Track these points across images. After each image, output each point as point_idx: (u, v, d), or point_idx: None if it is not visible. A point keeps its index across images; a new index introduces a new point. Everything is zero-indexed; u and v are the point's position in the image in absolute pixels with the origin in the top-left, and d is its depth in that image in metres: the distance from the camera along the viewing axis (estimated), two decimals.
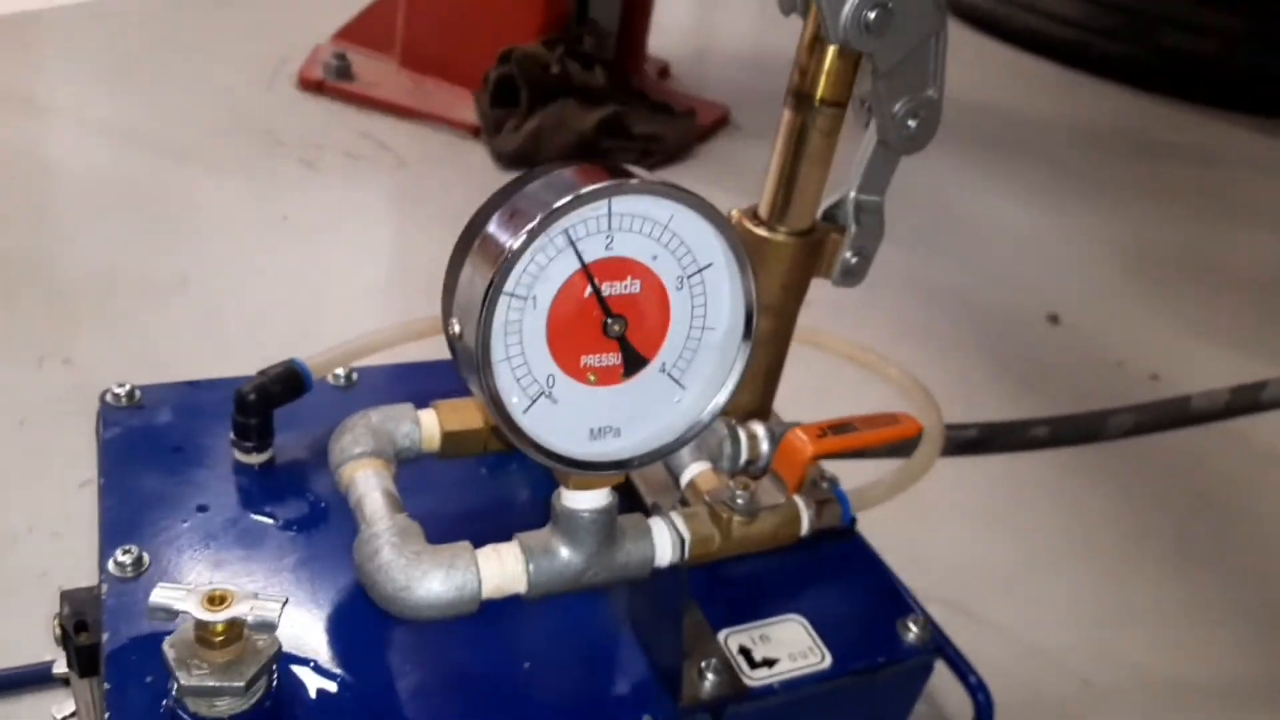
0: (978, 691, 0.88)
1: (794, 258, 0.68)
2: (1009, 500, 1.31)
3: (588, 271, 0.49)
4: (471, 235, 0.49)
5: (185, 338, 1.34)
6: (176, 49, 2.29)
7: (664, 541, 0.60)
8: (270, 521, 0.65)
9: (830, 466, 0.74)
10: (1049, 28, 3.25)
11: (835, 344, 0.85)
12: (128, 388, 0.73)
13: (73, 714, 0.70)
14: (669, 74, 2.57)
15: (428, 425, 0.64)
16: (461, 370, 0.50)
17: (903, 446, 0.77)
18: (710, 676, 0.60)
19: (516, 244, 0.46)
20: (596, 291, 0.50)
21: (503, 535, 0.58)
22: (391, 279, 1.59)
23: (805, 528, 0.67)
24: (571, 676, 0.60)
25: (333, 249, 1.63)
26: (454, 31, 2.20)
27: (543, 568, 0.56)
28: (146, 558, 0.60)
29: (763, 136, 0.67)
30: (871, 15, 0.58)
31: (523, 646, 0.60)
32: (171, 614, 0.49)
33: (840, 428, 0.70)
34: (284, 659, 0.56)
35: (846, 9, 0.58)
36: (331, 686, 0.55)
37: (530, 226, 0.46)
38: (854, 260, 0.70)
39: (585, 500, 0.55)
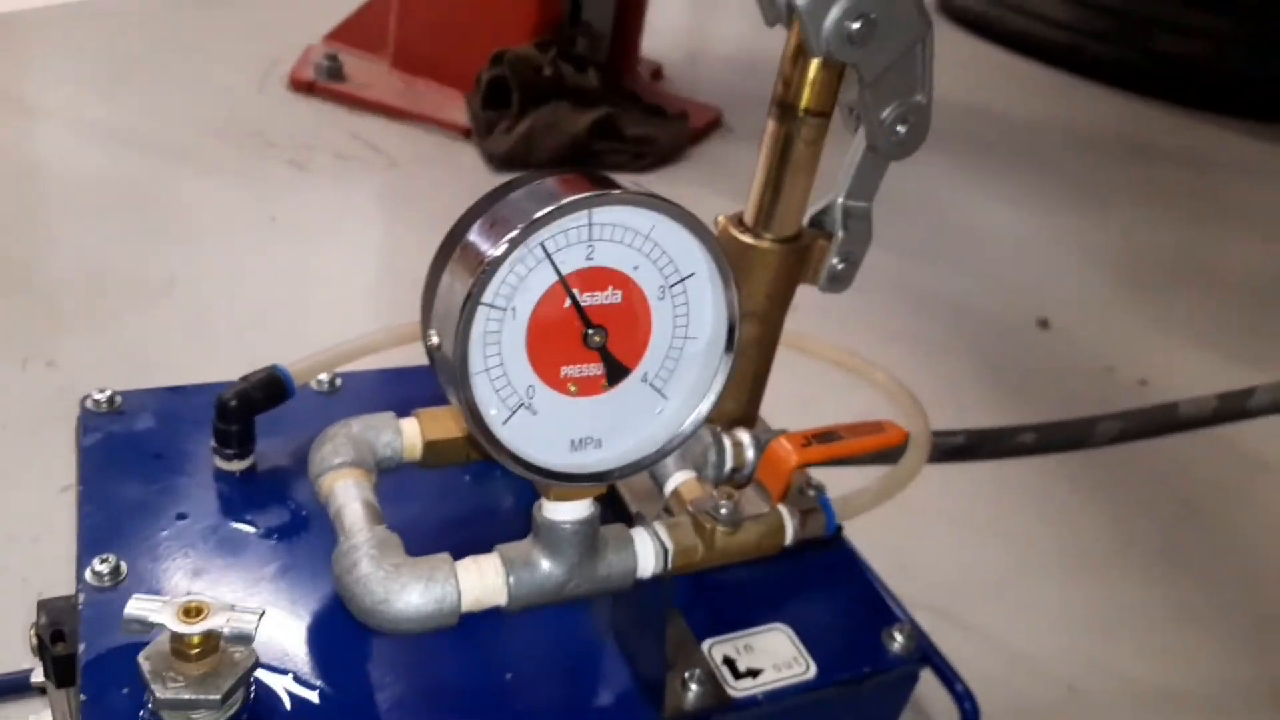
0: (964, 700, 0.88)
1: (780, 264, 0.68)
2: (996, 507, 1.30)
3: (565, 284, 0.49)
4: (451, 245, 0.49)
5: (172, 340, 1.33)
6: (167, 49, 2.28)
7: (646, 552, 0.60)
8: (251, 530, 0.65)
9: (817, 473, 0.74)
10: (1040, 30, 3.26)
11: (821, 349, 0.85)
12: (108, 393, 0.73)
13: None
14: (662, 76, 2.56)
15: (409, 434, 0.63)
16: (440, 381, 0.50)
17: (889, 453, 0.76)
18: (694, 687, 0.60)
19: (495, 255, 0.46)
20: (576, 303, 0.49)
21: (485, 545, 0.57)
22: (381, 281, 1.59)
23: (790, 537, 0.66)
24: (553, 688, 0.60)
25: (322, 251, 1.62)
26: (446, 33, 2.19)
27: (523, 580, 0.55)
28: (124, 567, 0.60)
29: (755, 139, 0.67)
30: (854, 26, 0.58)
31: (504, 657, 0.60)
32: (146, 626, 0.49)
33: (825, 436, 0.70)
34: (262, 670, 0.55)
35: (829, 21, 0.57)
36: (310, 699, 0.55)
37: (509, 237, 0.46)
38: (840, 266, 0.70)
39: (566, 511, 0.55)
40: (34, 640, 0.60)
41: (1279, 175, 2.82)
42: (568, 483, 0.53)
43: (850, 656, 0.66)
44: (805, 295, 0.71)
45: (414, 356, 0.73)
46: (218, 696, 0.49)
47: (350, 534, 0.56)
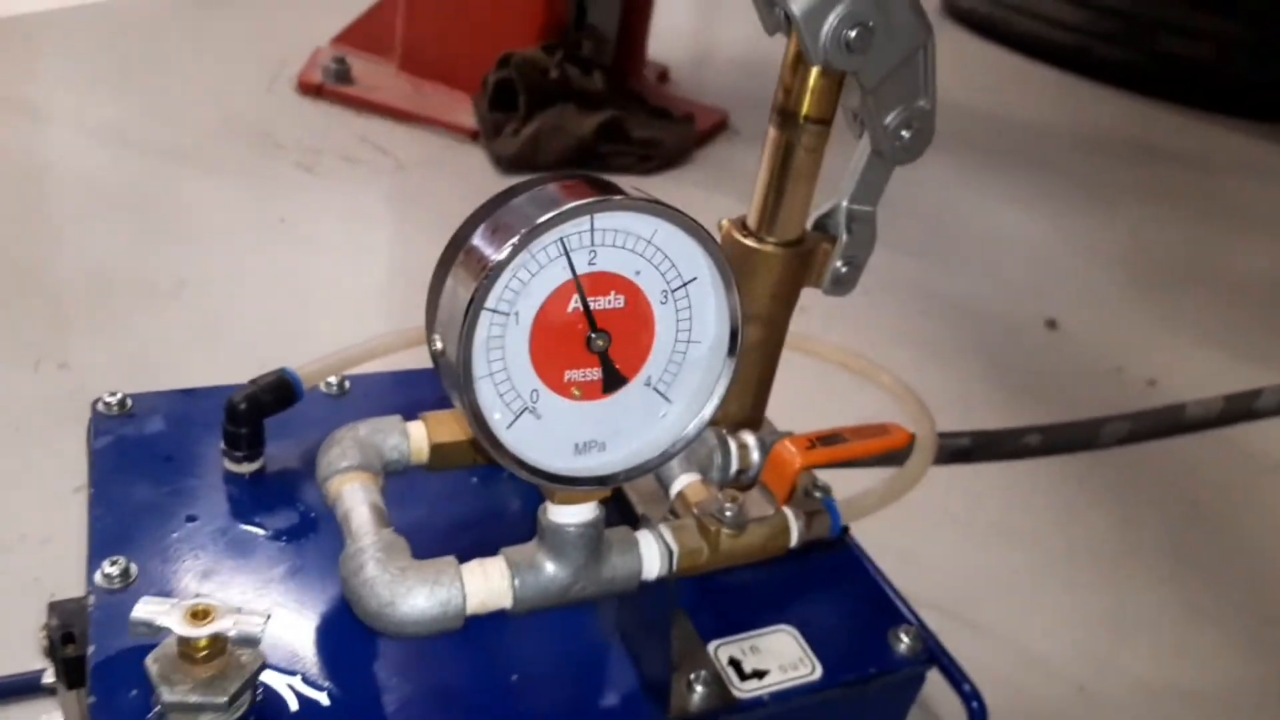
0: (972, 699, 0.88)
1: (783, 268, 0.68)
2: (1004, 507, 1.30)
3: (579, 284, 0.49)
4: (454, 250, 0.49)
5: (182, 342, 1.34)
6: (175, 52, 2.29)
7: (651, 555, 0.60)
8: (260, 532, 0.65)
9: (824, 474, 0.74)
10: (1048, 33, 3.25)
11: (827, 351, 0.85)
12: (119, 396, 0.73)
13: None
14: (668, 78, 2.57)
15: (416, 438, 0.63)
16: (445, 385, 0.50)
17: (895, 455, 0.76)
18: (699, 688, 0.60)
19: (498, 260, 0.46)
20: (585, 306, 0.50)
21: (492, 547, 0.58)
22: (390, 282, 1.59)
23: (794, 539, 0.66)
24: (559, 689, 0.60)
25: (331, 253, 1.63)
26: (453, 36, 2.20)
27: (528, 583, 0.56)
28: (134, 569, 0.60)
29: (761, 141, 0.67)
30: (852, 34, 0.57)
31: (510, 659, 0.60)
32: (154, 629, 0.49)
33: (830, 439, 0.70)
34: (270, 672, 0.56)
35: (825, 29, 0.57)
36: (317, 701, 0.55)
37: (512, 242, 0.46)
38: (844, 270, 0.70)
39: (571, 515, 0.55)
40: (45, 642, 0.60)
41: None
42: (572, 486, 0.53)
43: (856, 657, 0.65)
44: (813, 297, 0.71)
45: (423, 359, 0.73)
46: (224, 699, 0.49)
47: (357, 537, 0.56)
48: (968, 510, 1.27)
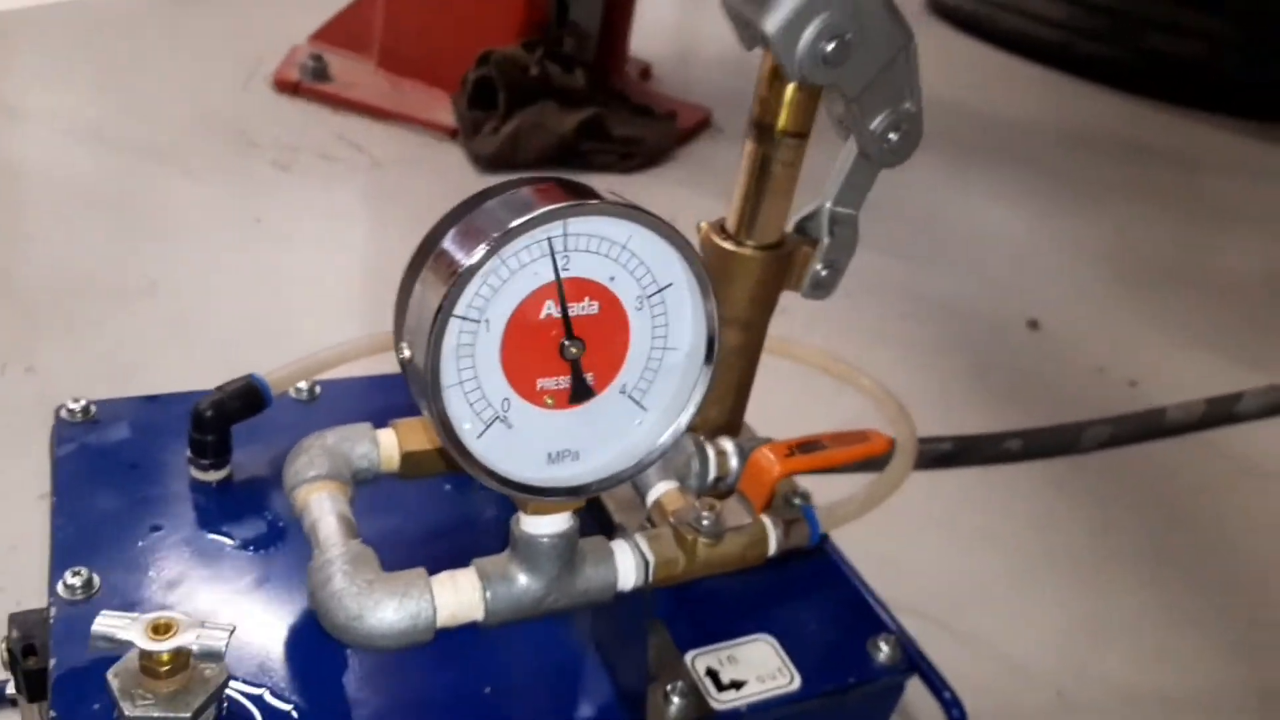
0: (952, 707, 0.87)
1: (763, 271, 0.67)
2: (984, 512, 1.30)
3: (560, 288, 0.48)
4: (424, 255, 0.48)
5: (154, 344, 1.32)
6: (150, 50, 2.27)
7: (627, 565, 0.59)
8: (227, 542, 0.64)
9: (805, 479, 0.73)
10: (1033, 29, 3.26)
11: (807, 355, 0.84)
12: (83, 403, 0.72)
13: None
14: (650, 76, 2.56)
15: (386, 446, 0.62)
16: (413, 394, 0.49)
17: (876, 460, 0.76)
18: (676, 700, 0.59)
19: (468, 265, 0.45)
20: (565, 312, 0.49)
21: (466, 556, 0.57)
22: (366, 283, 1.58)
23: (773, 548, 0.66)
24: (534, 701, 0.59)
25: (307, 252, 1.61)
26: (432, 33, 2.18)
27: (500, 595, 0.55)
28: (97, 580, 0.59)
29: (744, 140, 0.66)
30: (829, 48, 0.56)
31: (484, 670, 0.59)
32: (115, 643, 0.48)
33: (808, 446, 0.69)
34: (236, 685, 0.54)
35: (802, 45, 0.56)
36: (285, 714, 0.54)
37: (483, 247, 0.45)
38: (824, 273, 0.69)
39: (544, 525, 0.54)
40: (4, 654, 0.59)
41: (1272, 175, 2.82)
42: (544, 497, 0.52)
43: (835, 667, 0.65)
44: (794, 298, 0.70)
45: (395, 363, 0.72)
46: (188, 714, 0.48)
47: (324, 548, 0.55)
48: (948, 515, 1.27)
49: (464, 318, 0.47)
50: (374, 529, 0.59)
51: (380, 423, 0.64)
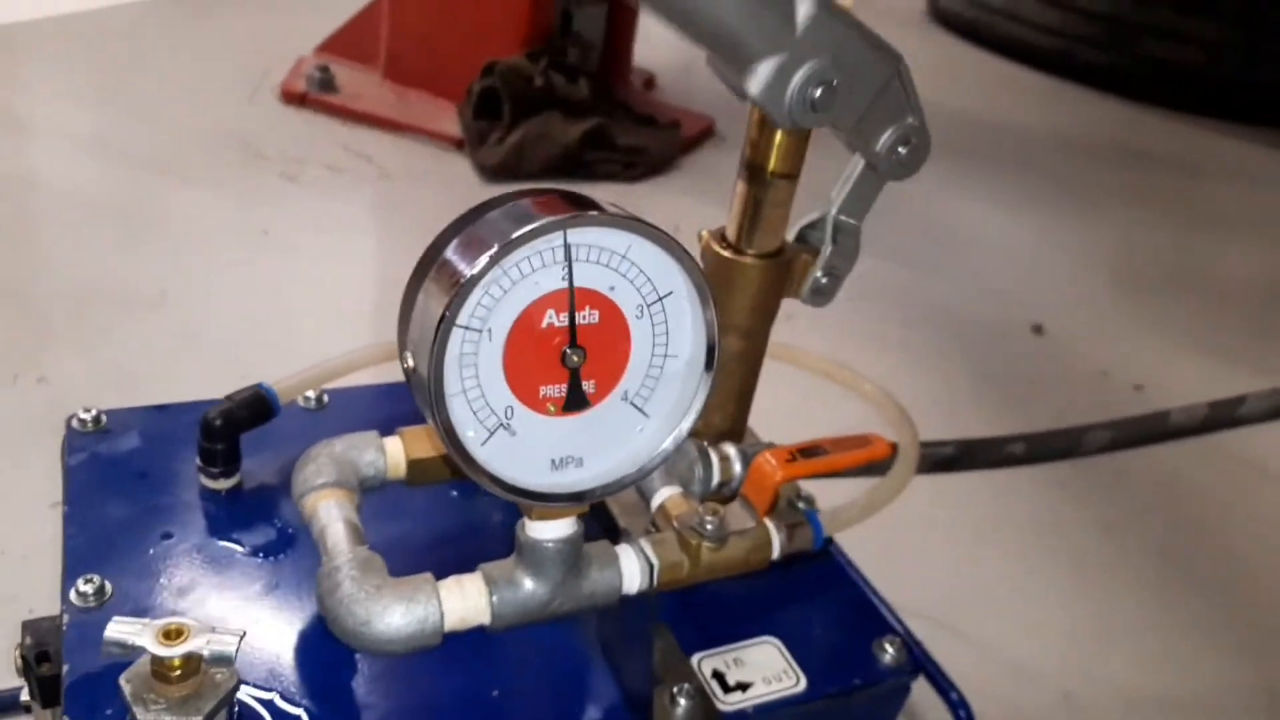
0: (959, 708, 0.87)
1: (763, 279, 0.68)
2: (988, 516, 1.30)
3: (572, 295, 0.49)
4: (427, 265, 0.48)
5: (164, 354, 1.33)
6: (157, 62, 2.28)
7: (632, 570, 0.60)
8: (236, 549, 0.65)
9: (808, 484, 0.74)
10: (1033, 37, 3.26)
11: (810, 361, 0.84)
12: (94, 412, 0.72)
13: None
14: (654, 85, 2.57)
15: (393, 453, 0.63)
16: (418, 402, 0.50)
17: (879, 465, 0.76)
18: (683, 702, 0.60)
19: (470, 276, 0.46)
20: (572, 320, 0.49)
21: (472, 562, 0.57)
22: (373, 293, 1.59)
23: (776, 552, 0.66)
24: (541, 703, 0.60)
25: (314, 263, 1.62)
26: (437, 44, 2.19)
27: (506, 599, 0.55)
28: (109, 587, 0.60)
29: None
30: (816, 94, 0.57)
31: (491, 674, 0.60)
32: (126, 649, 0.49)
33: (810, 451, 0.70)
34: (247, 690, 0.55)
35: (787, 99, 0.57)
36: (295, 719, 0.55)
37: (485, 258, 0.46)
38: (825, 281, 0.70)
39: (549, 530, 0.55)
40: (19, 661, 0.60)
41: (1271, 180, 2.82)
42: (548, 503, 0.53)
43: (841, 669, 0.65)
44: (799, 305, 0.71)
45: (402, 372, 0.73)
46: (199, 718, 0.49)
47: (332, 555, 0.56)
48: (952, 519, 1.27)
49: (466, 327, 0.47)
50: (381, 536, 0.59)
51: (388, 431, 0.65)
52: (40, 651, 0.59)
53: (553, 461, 0.53)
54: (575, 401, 0.52)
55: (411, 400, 0.51)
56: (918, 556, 1.17)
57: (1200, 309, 2.01)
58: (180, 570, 0.62)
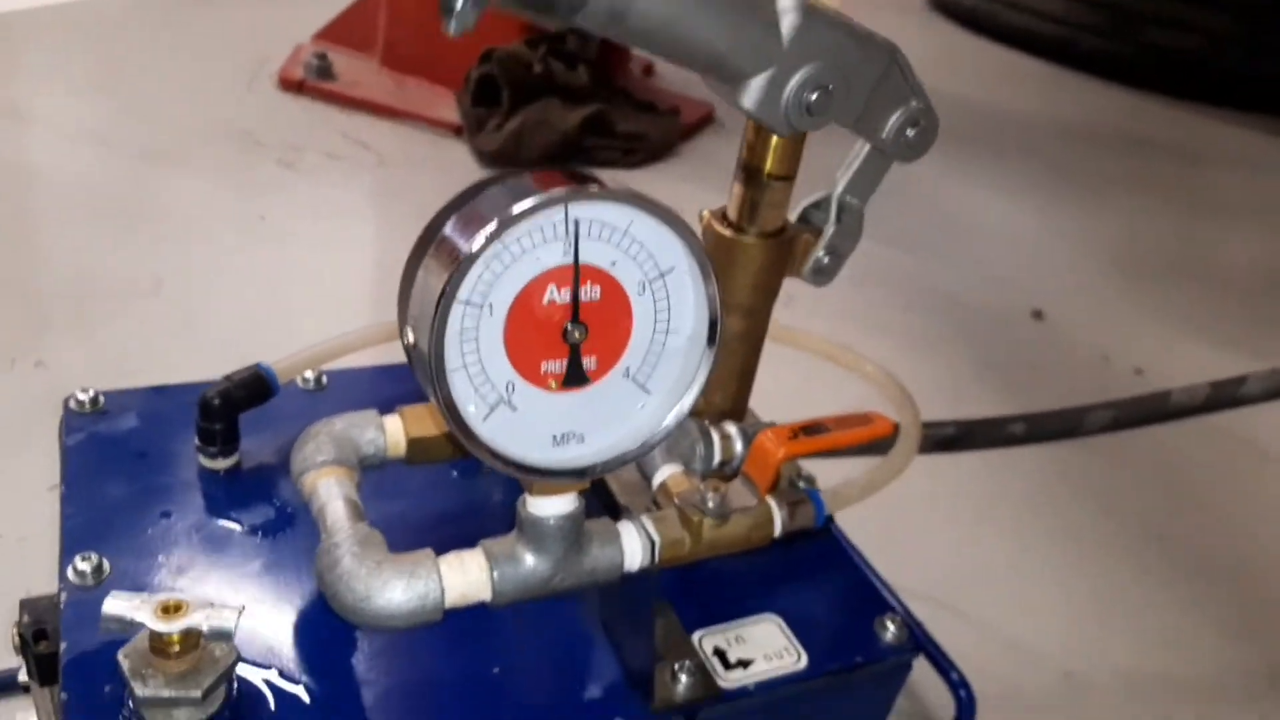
0: (959, 688, 0.88)
1: (764, 258, 0.67)
2: (988, 496, 1.30)
3: (576, 270, 0.48)
4: (427, 241, 0.48)
5: (161, 340, 1.33)
6: (154, 50, 2.27)
7: (633, 546, 0.59)
8: (235, 527, 0.65)
9: (809, 464, 0.73)
10: (1035, 25, 3.25)
11: (811, 342, 0.84)
12: (91, 393, 0.72)
13: None
14: (653, 72, 2.56)
15: (392, 432, 0.63)
16: (418, 378, 0.50)
17: (880, 444, 0.76)
18: (684, 678, 0.60)
19: (470, 251, 0.45)
20: (575, 295, 0.49)
21: (472, 540, 0.57)
22: (371, 279, 1.58)
23: (778, 530, 0.66)
24: (542, 680, 0.60)
25: (312, 250, 1.62)
26: (435, 31, 2.16)
27: (508, 575, 0.55)
28: (107, 565, 0.60)
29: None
30: (812, 98, 0.56)
31: (492, 650, 0.60)
32: (124, 624, 0.49)
33: (812, 429, 0.70)
34: (246, 667, 0.55)
35: (782, 108, 0.56)
36: (294, 695, 0.55)
37: (485, 233, 0.45)
38: (826, 260, 0.70)
39: (550, 506, 0.55)
40: (16, 639, 0.59)
41: (1272, 168, 2.82)
42: (549, 478, 0.53)
43: (842, 646, 0.65)
44: (800, 288, 0.71)
45: (400, 353, 0.72)
46: (198, 694, 0.49)
47: (332, 532, 0.55)
48: (952, 499, 1.27)
49: (467, 302, 0.47)
50: (380, 515, 0.59)
51: (387, 411, 0.65)
52: (38, 630, 0.59)
53: (554, 437, 0.52)
54: (576, 377, 0.52)
55: (410, 381, 0.51)
56: (918, 538, 1.17)
57: (1201, 295, 2.00)
58: (179, 548, 0.62)
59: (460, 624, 0.57)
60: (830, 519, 0.72)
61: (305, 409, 0.73)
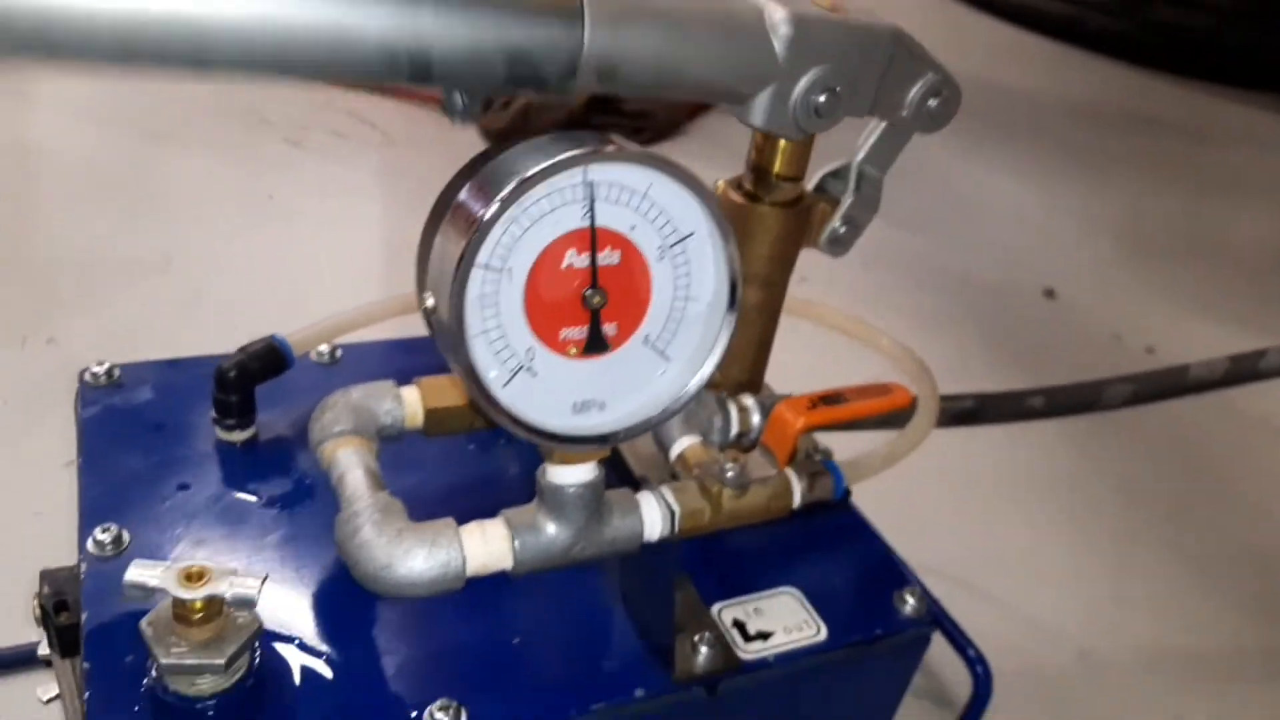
0: (976, 664, 0.88)
1: (780, 227, 0.67)
2: (1005, 472, 1.30)
3: (594, 234, 0.48)
4: (444, 206, 0.48)
5: (170, 317, 1.32)
6: None
7: (653, 516, 0.59)
8: (253, 499, 0.64)
9: (827, 438, 0.73)
10: (1042, 3, 3.23)
11: (828, 316, 0.84)
12: (106, 366, 0.72)
13: (57, 696, 0.69)
14: None
15: (410, 402, 0.63)
16: (439, 345, 0.49)
17: (898, 419, 0.76)
18: (704, 650, 0.60)
19: (488, 214, 0.45)
20: (594, 259, 0.49)
21: (491, 511, 0.57)
22: (379, 257, 1.58)
23: (797, 500, 0.66)
24: (563, 651, 0.60)
25: (319, 228, 1.62)
26: None
27: (529, 544, 0.55)
28: (126, 536, 0.60)
29: None
30: (820, 100, 0.56)
31: (512, 621, 0.60)
32: (147, 591, 0.49)
33: (831, 399, 0.69)
34: (268, 637, 0.55)
35: (790, 115, 0.55)
36: (317, 664, 0.54)
37: (502, 195, 0.45)
38: (843, 230, 0.69)
39: (571, 475, 0.54)
40: (37, 611, 0.59)
41: (1279, 145, 2.80)
42: (570, 445, 0.52)
43: (861, 619, 0.65)
44: (813, 267, 0.70)
45: (414, 327, 0.72)
46: (222, 661, 0.49)
47: (351, 501, 0.55)
48: (968, 476, 1.26)
49: (487, 266, 0.47)
50: (398, 486, 0.59)
51: (402, 383, 0.65)
52: (59, 601, 0.59)
53: (574, 404, 0.52)
54: (596, 344, 0.51)
55: (424, 355, 0.51)
56: (934, 513, 1.17)
57: (1210, 273, 1.99)
58: (197, 520, 0.62)
59: (480, 594, 0.57)
60: (848, 492, 0.72)
61: (320, 383, 0.73)
